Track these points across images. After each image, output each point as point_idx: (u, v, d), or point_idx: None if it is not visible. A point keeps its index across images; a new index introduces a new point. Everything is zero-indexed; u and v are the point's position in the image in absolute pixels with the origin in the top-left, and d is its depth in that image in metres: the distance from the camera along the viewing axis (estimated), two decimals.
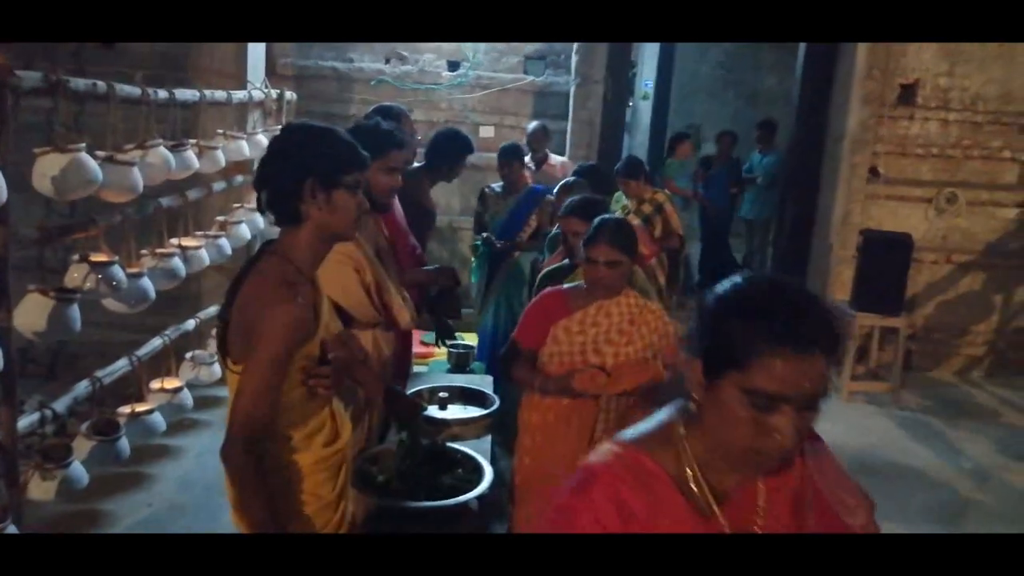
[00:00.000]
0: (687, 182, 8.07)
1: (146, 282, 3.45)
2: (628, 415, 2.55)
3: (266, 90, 5.34)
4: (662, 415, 1.31)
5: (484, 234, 4.91)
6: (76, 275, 3.10)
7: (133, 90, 3.50)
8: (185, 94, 4.04)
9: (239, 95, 4.87)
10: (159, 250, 3.75)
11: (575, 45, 6.43)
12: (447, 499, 2.32)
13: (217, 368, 4.23)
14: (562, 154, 6.37)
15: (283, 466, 1.91)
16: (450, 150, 4.24)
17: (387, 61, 6.59)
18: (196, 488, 3.93)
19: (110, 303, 3.29)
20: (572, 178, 4.21)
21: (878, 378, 6.26)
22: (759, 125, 8.48)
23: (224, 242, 4.31)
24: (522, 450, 2.77)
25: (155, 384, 3.93)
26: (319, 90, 6.50)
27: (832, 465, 1.40)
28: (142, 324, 4.08)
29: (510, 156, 4.93)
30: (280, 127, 2.00)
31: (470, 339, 4.78)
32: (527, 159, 5.76)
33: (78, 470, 3.17)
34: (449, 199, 6.75)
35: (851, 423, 5.55)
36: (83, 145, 2.99)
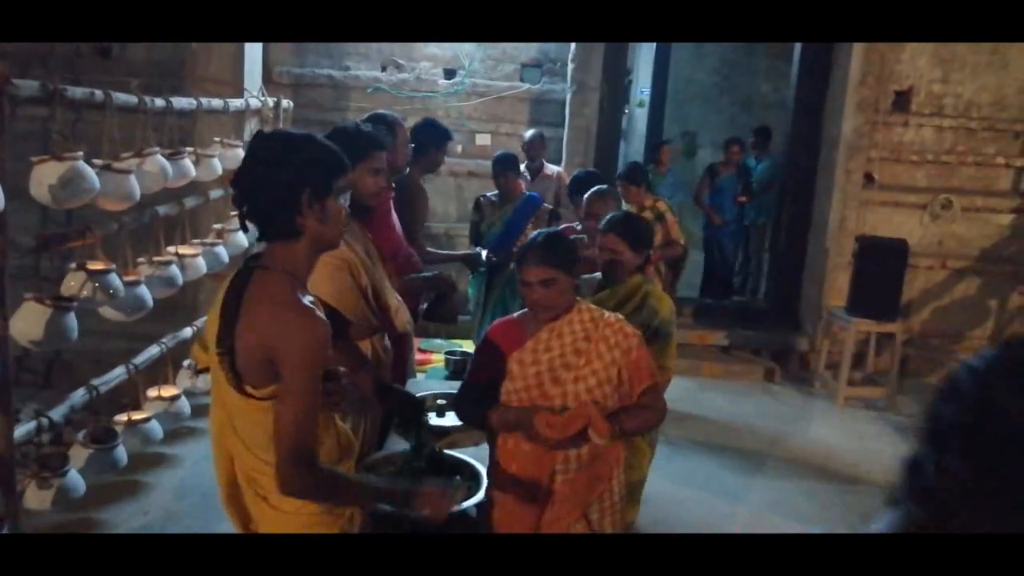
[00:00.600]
0: (674, 191, 7.74)
1: (143, 290, 3.45)
2: (592, 468, 2.38)
3: (263, 98, 5.35)
4: None
5: (478, 248, 4.88)
6: (73, 283, 3.09)
7: (130, 98, 3.50)
8: (182, 102, 4.04)
9: (236, 103, 4.88)
10: (156, 258, 3.75)
11: (571, 53, 6.45)
12: None
13: None
14: (558, 161, 6.39)
15: (302, 500, 1.86)
16: (435, 138, 4.24)
17: (383, 69, 6.60)
18: (193, 496, 3.92)
19: (107, 311, 3.28)
20: (604, 186, 4.03)
21: (874, 384, 6.27)
22: (754, 131, 8.50)
23: (221, 250, 4.31)
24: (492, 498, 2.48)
25: (152, 392, 3.92)
26: (315, 98, 6.51)
27: None
28: (139, 332, 4.07)
29: (505, 166, 4.92)
30: (256, 137, 1.88)
31: (468, 347, 4.78)
32: (522, 167, 5.78)
33: (75, 479, 3.16)
34: (446, 206, 6.77)
35: (847, 429, 5.56)
36: (80, 154, 2.98)
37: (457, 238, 6.75)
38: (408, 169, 3.85)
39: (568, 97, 6.50)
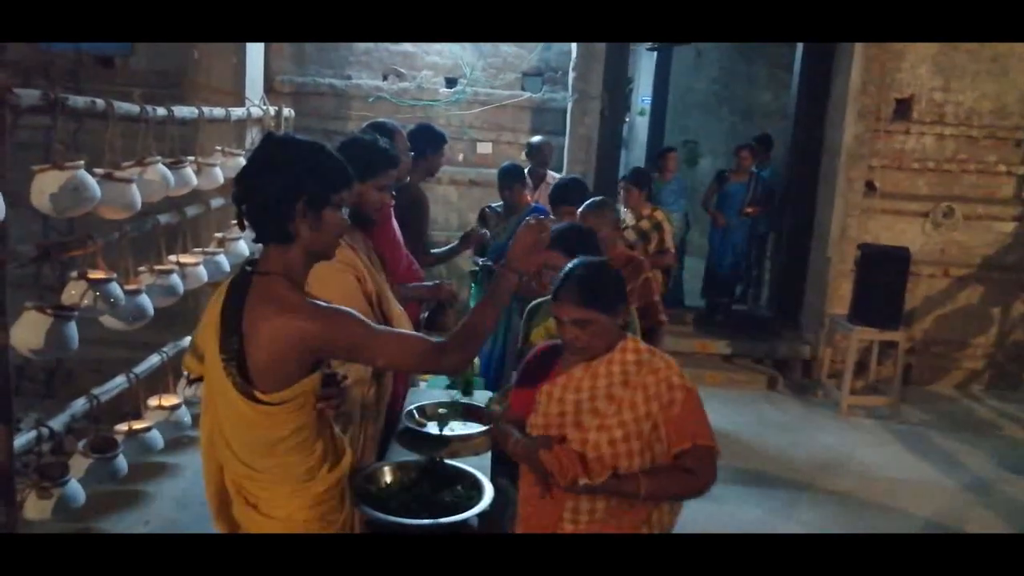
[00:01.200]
0: (677, 198, 7.61)
1: (144, 299, 3.44)
2: (607, 526, 2.11)
3: (264, 107, 5.35)
4: None
5: (482, 260, 4.87)
6: (74, 292, 3.08)
7: (132, 108, 3.50)
8: (183, 111, 4.05)
9: (237, 112, 4.88)
10: (157, 267, 3.74)
11: (572, 62, 6.46)
12: (446, 516, 2.30)
13: None
14: (559, 170, 6.39)
15: (295, 504, 1.89)
16: (430, 142, 4.24)
17: (385, 78, 6.61)
18: (194, 506, 3.91)
19: (108, 320, 3.28)
20: (600, 197, 3.86)
21: (877, 392, 6.25)
22: (755, 140, 8.49)
23: (222, 259, 4.30)
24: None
25: (153, 401, 3.91)
26: (317, 107, 6.52)
27: None
28: (140, 341, 4.06)
29: (511, 179, 4.88)
30: (264, 139, 1.91)
31: None
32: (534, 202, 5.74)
33: (75, 488, 3.14)
34: (447, 215, 6.77)
35: (850, 437, 5.54)
36: (81, 163, 2.98)
37: None
38: (408, 177, 3.85)
39: (569, 106, 6.51)
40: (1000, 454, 5.34)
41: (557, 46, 6.66)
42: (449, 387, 3.85)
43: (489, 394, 3.58)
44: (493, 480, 2.49)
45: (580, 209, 3.69)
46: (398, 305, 2.71)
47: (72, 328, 2.95)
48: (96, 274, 3.16)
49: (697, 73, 11.19)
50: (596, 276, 2.14)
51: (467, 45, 6.55)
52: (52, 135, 3.04)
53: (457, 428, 2.99)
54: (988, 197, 6.48)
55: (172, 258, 3.91)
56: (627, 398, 2.09)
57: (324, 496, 1.93)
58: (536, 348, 2.40)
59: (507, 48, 6.65)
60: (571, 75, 6.49)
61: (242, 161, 4.54)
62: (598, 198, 3.79)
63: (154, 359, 3.93)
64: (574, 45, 6.40)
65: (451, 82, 6.64)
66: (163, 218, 3.92)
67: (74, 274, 3.15)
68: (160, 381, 4.02)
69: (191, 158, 4.04)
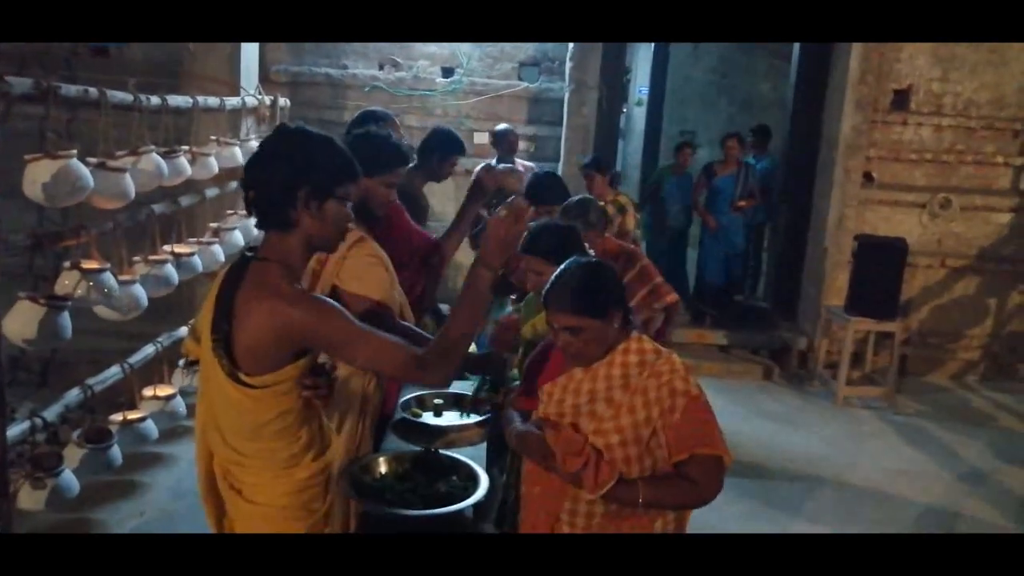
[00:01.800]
0: (686, 194, 7.42)
1: (138, 289, 3.43)
2: (605, 530, 2.03)
3: (259, 96, 5.33)
4: None
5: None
6: (67, 282, 3.07)
7: (125, 96, 3.48)
8: (177, 100, 4.02)
9: (232, 102, 4.86)
10: (152, 257, 3.73)
11: (569, 51, 6.43)
12: (442, 507, 2.30)
13: None
14: (556, 160, 6.37)
15: (277, 490, 1.90)
16: (441, 146, 4.21)
17: (381, 67, 6.58)
18: (189, 496, 3.90)
19: (102, 310, 3.27)
20: (581, 196, 3.76)
21: (873, 383, 6.26)
22: (753, 131, 8.48)
23: (217, 249, 4.29)
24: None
25: (147, 391, 3.90)
26: (313, 96, 6.49)
27: None
28: (136, 331, 4.05)
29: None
30: (277, 130, 1.92)
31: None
32: (493, 162, 5.70)
33: (69, 479, 3.14)
34: (444, 206, 6.74)
35: (846, 428, 5.55)
36: (74, 152, 2.97)
37: None
38: (410, 170, 3.83)
39: (566, 96, 6.48)
40: (995, 445, 5.35)
41: None
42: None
43: (482, 378, 3.57)
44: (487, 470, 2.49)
45: (562, 208, 3.61)
46: (401, 295, 2.71)
47: (65, 318, 2.94)
48: (90, 264, 3.15)
49: (695, 63, 11.16)
50: (588, 280, 2.03)
51: None
52: (45, 124, 3.01)
53: (452, 419, 2.99)
54: (985, 188, 6.48)
55: (166, 248, 3.90)
56: (626, 402, 1.99)
57: (307, 483, 1.94)
58: (540, 345, 2.36)
59: None
60: (568, 65, 6.46)
61: (237, 151, 4.54)
62: (578, 198, 3.72)
63: (149, 349, 3.93)
64: None
65: (448, 72, 6.61)
66: (157, 208, 3.90)
67: (67, 264, 3.14)
68: (155, 371, 4.02)
69: (185, 147, 4.02)
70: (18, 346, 2.93)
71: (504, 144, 5.68)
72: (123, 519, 3.75)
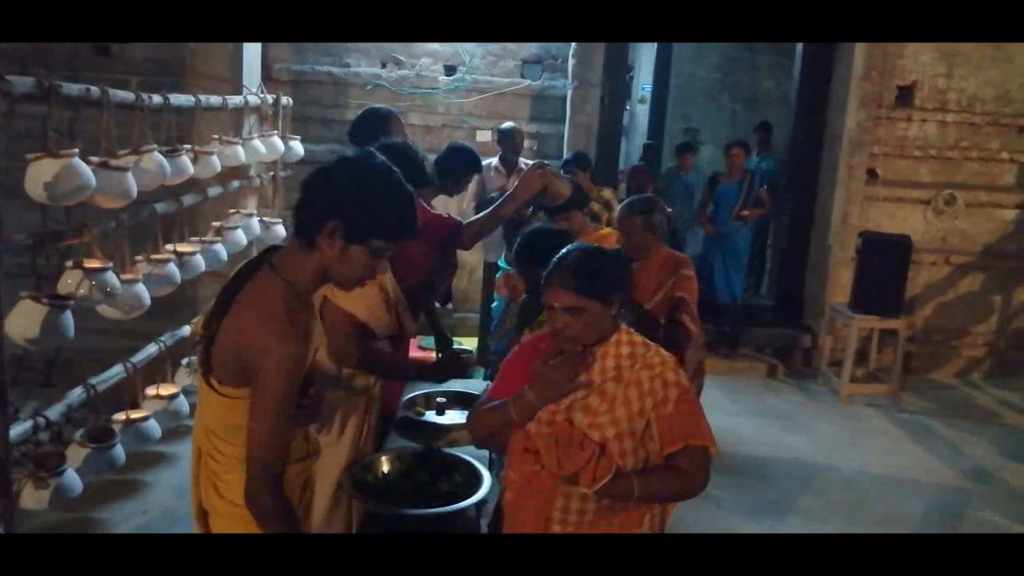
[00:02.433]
0: (682, 196, 7.42)
1: (141, 288, 3.43)
2: (596, 530, 2.00)
3: (262, 95, 5.32)
4: None
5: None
6: (70, 281, 3.07)
7: (127, 95, 3.48)
8: (180, 99, 4.02)
9: (235, 100, 4.85)
10: (154, 256, 3.73)
11: (572, 49, 6.42)
12: (445, 505, 2.30)
13: None
14: (560, 158, 6.35)
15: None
16: (460, 166, 4.19)
17: (383, 66, 6.57)
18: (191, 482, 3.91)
19: (105, 309, 3.26)
20: (648, 195, 3.66)
21: (878, 380, 6.24)
22: (756, 128, 8.46)
23: (220, 248, 4.28)
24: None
25: (150, 391, 3.90)
26: (315, 95, 6.49)
27: None
28: (141, 331, 4.05)
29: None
30: (382, 146, 1.92)
31: (467, 345, 4.76)
32: (495, 161, 5.68)
33: (72, 478, 3.14)
34: (446, 205, 6.72)
35: (850, 426, 5.53)
36: (76, 151, 2.96)
37: None
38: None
39: (569, 93, 6.47)
40: (1000, 442, 5.33)
41: None
42: None
43: (487, 383, 3.58)
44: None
45: (623, 204, 3.46)
46: (402, 303, 2.71)
47: (68, 317, 2.93)
48: (92, 263, 3.15)
49: (699, 60, 11.13)
50: (592, 261, 2.02)
51: None
52: (47, 123, 3.01)
53: (455, 417, 2.98)
54: (990, 184, 6.45)
55: (169, 247, 3.89)
56: (620, 394, 1.98)
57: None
58: (525, 339, 2.28)
59: None
60: (571, 62, 6.45)
61: (239, 149, 4.53)
62: (646, 195, 3.52)
63: (152, 349, 3.92)
64: None
65: (450, 70, 6.60)
66: (160, 207, 3.90)
67: (70, 263, 3.14)
68: (158, 370, 4.01)
69: (187, 146, 4.01)
70: (21, 345, 2.93)
71: (510, 143, 5.67)
72: (126, 518, 3.76)
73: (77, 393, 3.34)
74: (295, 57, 6.48)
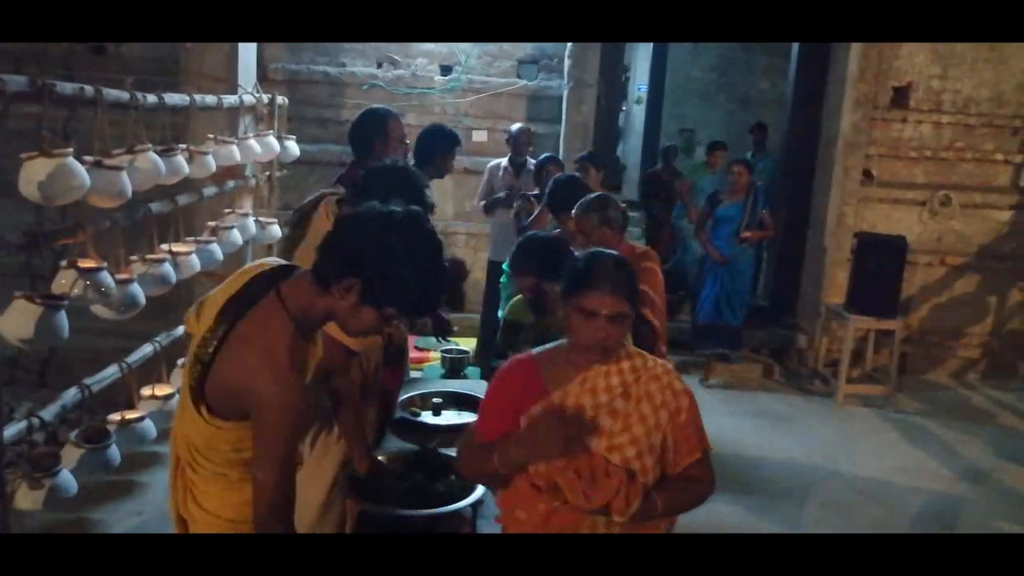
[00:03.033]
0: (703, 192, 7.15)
1: (135, 288, 3.41)
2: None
3: (257, 95, 5.31)
4: None
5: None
6: (64, 281, 3.05)
7: (121, 94, 3.46)
8: (175, 99, 4.00)
9: (230, 100, 4.84)
10: (149, 256, 3.71)
11: (567, 49, 6.42)
12: (441, 506, 2.29)
13: None
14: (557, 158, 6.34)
15: (226, 501, 1.84)
16: (437, 145, 4.19)
17: (379, 65, 6.57)
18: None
19: (99, 309, 3.25)
20: (601, 192, 3.50)
21: (873, 381, 6.25)
22: (752, 129, 8.47)
23: (215, 248, 4.26)
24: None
25: (146, 391, 3.88)
26: (311, 95, 6.48)
27: None
28: (136, 331, 4.04)
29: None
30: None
31: (464, 345, 4.76)
32: (504, 162, 5.71)
33: (66, 479, 3.12)
34: (442, 204, 6.73)
35: (846, 426, 5.54)
36: (70, 150, 2.95)
37: (454, 235, 6.72)
38: None
39: (565, 93, 6.47)
40: (996, 443, 5.35)
41: None
42: (445, 376, 3.85)
43: (484, 383, 3.58)
44: None
45: (577, 206, 3.35)
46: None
47: (62, 317, 2.92)
48: (87, 263, 3.13)
49: (694, 61, 11.15)
50: (626, 267, 1.94)
51: None
52: (41, 122, 3.00)
53: (451, 418, 2.98)
54: (985, 185, 6.47)
55: (164, 247, 3.88)
56: (633, 411, 1.88)
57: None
58: (506, 366, 2.05)
59: None
60: (567, 63, 6.45)
61: (235, 149, 4.52)
62: (597, 193, 3.46)
63: (147, 349, 3.90)
64: None
65: (446, 70, 6.60)
66: (155, 206, 3.88)
67: (64, 263, 3.12)
68: (153, 371, 3.99)
69: (183, 146, 4.00)
70: (15, 346, 2.91)
71: (516, 144, 5.69)
72: (121, 519, 3.74)
73: (72, 393, 3.32)
74: (291, 57, 6.47)
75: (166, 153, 3.71)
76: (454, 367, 3.90)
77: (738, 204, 6.07)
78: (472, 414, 3.00)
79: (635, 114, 11.25)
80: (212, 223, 4.53)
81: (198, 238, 4.27)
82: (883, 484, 4.64)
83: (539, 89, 6.63)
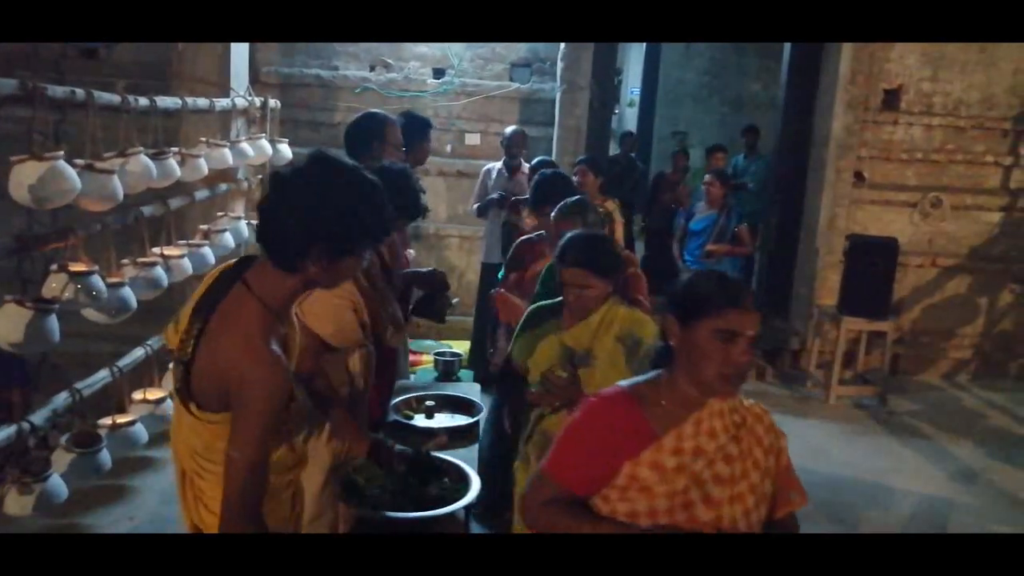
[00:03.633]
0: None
1: (127, 292, 3.40)
2: None
3: (250, 98, 5.30)
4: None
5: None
6: (55, 285, 3.04)
7: (113, 97, 3.46)
8: (166, 102, 4.00)
9: (222, 103, 4.84)
10: (140, 259, 3.70)
11: (560, 52, 6.42)
12: (433, 509, 2.29)
13: None
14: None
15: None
16: (417, 131, 4.20)
17: (372, 68, 6.56)
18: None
19: (90, 313, 3.24)
20: (577, 197, 3.38)
21: (865, 382, 6.27)
22: (744, 131, 8.51)
23: (207, 251, 4.26)
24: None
25: (137, 395, 3.87)
26: (304, 98, 6.47)
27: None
28: (128, 335, 4.03)
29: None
30: (318, 160, 1.73)
31: (457, 348, 4.76)
32: (499, 165, 5.74)
33: (57, 484, 3.11)
34: (436, 206, 6.73)
35: (838, 427, 5.56)
36: (61, 153, 2.94)
37: (447, 238, 6.72)
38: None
39: (558, 97, 6.47)
40: (987, 443, 5.37)
41: None
42: (438, 379, 3.85)
43: (476, 386, 3.58)
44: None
45: (555, 212, 3.27)
46: (397, 312, 2.70)
47: (53, 321, 2.91)
48: (78, 266, 3.12)
49: (687, 64, 11.19)
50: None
51: None
52: (32, 125, 2.99)
53: (444, 421, 2.98)
54: (976, 187, 6.50)
55: (155, 250, 3.87)
56: (747, 456, 1.71)
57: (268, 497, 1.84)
58: (595, 403, 1.77)
59: None
60: (559, 66, 6.45)
61: (227, 152, 4.51)
62: (574, 198, 3.38)
63: (138, 352, 3.89)
64: None
65: (439, 73, 6.60)
66: (146, 210, 3.87)
67: (55, 267, 3.11)
68: (144, 374, 3.98)
69: (174, 149, 3.99)
70: (6, 350, 2.90)
71: (509, 146, 5.71)
72: (112, 524, 3.73)
73: (62, 397, 3.31)
74: (283, 60, 6.47)
75: (158, 156, 3.71)
76: (447, 370, 3.89)
77: (711, 217, 6.01)
78: (465, 416, 3.01)
79: (628, 117, 11.29)
80: (204, 226, 4.52)
81: (190, 241, 4.26)
82: (875, 485, 4.66)
83: (532, 92, 6.63)
